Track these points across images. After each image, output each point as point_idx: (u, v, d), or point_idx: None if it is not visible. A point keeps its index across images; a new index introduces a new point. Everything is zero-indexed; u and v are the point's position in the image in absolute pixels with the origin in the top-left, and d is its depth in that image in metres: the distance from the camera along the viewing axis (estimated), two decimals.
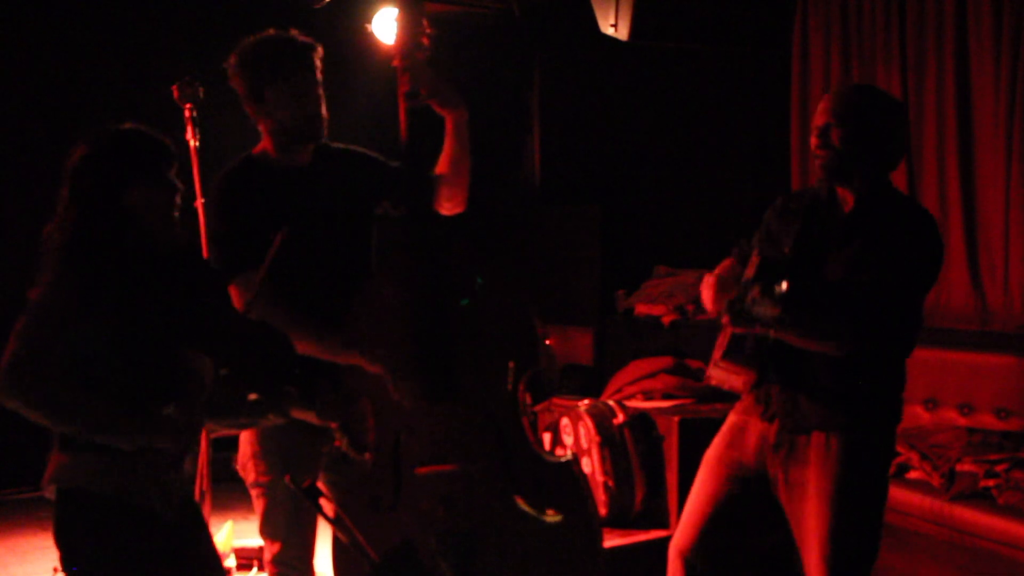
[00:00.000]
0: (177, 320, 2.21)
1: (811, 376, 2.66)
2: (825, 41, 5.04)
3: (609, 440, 4.02)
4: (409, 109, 2.72)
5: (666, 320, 5.16)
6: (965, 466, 3.63)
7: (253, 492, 2.80)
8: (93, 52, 5.55)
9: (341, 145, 2.86)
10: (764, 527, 2.86)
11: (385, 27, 4.74)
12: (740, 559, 2.89)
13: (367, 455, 2.57)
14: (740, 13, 5.35)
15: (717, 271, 2.88)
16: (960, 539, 3.48)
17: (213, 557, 2.42)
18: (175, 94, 4.01)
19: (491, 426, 2.66)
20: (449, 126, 2.83)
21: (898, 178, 4.62)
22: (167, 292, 2.22)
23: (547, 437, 4.37)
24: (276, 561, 2.81)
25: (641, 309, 5.38)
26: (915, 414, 4.16)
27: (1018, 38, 4.16)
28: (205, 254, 2.91)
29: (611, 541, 3.87)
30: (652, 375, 4.56)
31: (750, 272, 2.62)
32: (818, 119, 2.72)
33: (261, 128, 2.78)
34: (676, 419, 4.01)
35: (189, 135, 4.01)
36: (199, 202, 3.78)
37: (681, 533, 2.85)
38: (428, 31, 2.74)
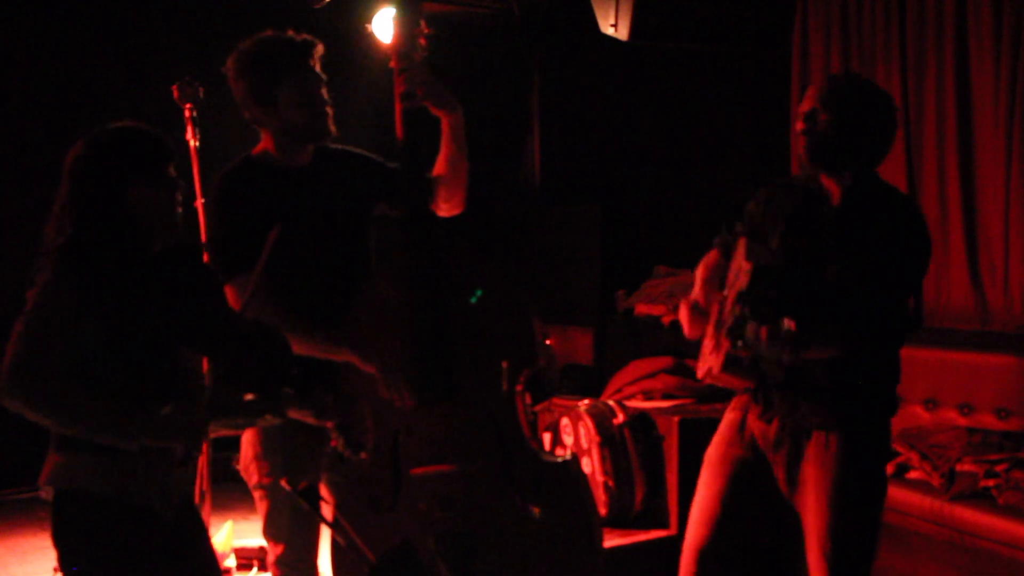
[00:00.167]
0: (175, 320, 2.21)
1: (809, 377, 2.66)
2: (825, 41, 5.04)
3: (609, 440, 4.02)
4: (406, 110, 2.72)
5: (666, 320, 5.15)
6: (965, 466, 3.63)
7: (256, 494, 2.80)
8: (93, 52, 5.55)
9: (339, 146, 2.86)
10: (770, 523, 2.86)
11: (385, 27, 4.73)
12: (750, 557, 2.88)
13: (363, 455, 2.57)
14: (740, 13, 5.34)
15: (692, 296, 2.85)
16: (960, 539, 3.47)
17: (211, 558, 2.42)
18: (175, 94, 4.01)
19: (490, 426, 2.66)
20: (445, 127, 2.83)
21: (898, 178, 4.62)
22: (165, 292, 2.22)
23: (547, 437, 4.36)
24: (279, 563, 2.80)
25: (641, 309, 5.37)
26: (915, 414, 4.16)
27: (1018, 38, 4.16)
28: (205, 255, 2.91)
29: (611, 541, 3.87)
30: (652, 375, 4.56)
31: (743, 281, 2.59)
32: (805, 104, 2.70)
33: (264, 129, 2.78)
34: (676, 419, 4.01)
35: (189, 135, 4.01)
36: (199, 202, 3.78)
37: (692, 535, 2.84)
38: (425, 32, 2.74)
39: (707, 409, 4.14)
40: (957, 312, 4.45)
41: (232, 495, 4.08)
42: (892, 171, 4.66)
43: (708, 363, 2.73)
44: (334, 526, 2.40)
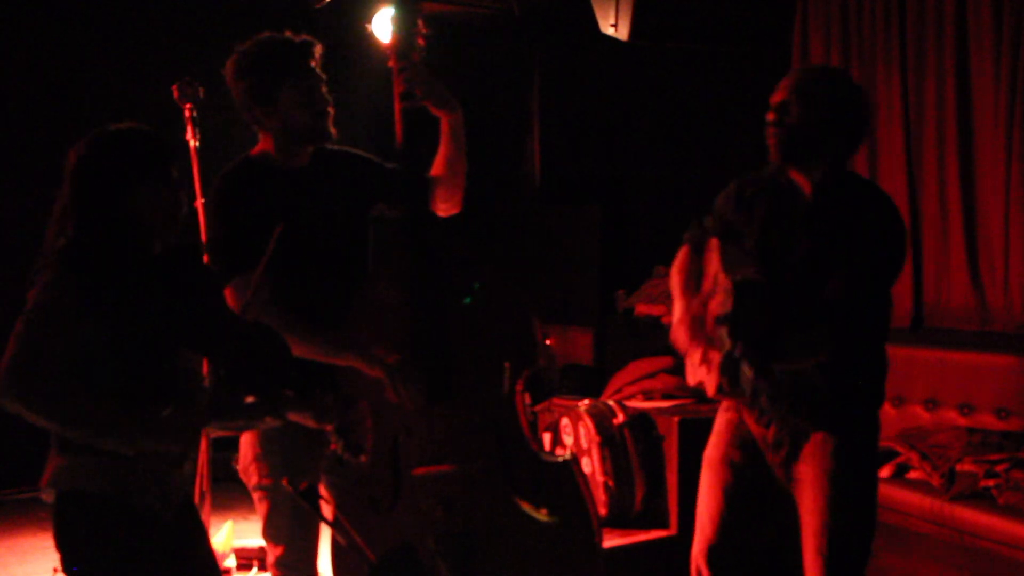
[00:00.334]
0: (175, 322, 2.21)
1: (805, 382, 2.65)
2: (825, 41, 5.04)
3: (609, 440, 4.02)
4: (405, 110, 2.72)
5: (666, 320, 5.14)
6: (965, 466, 3.63)
7: (255, 495, 2.80)
8: (93, 52, 5.55)
9: (338, 147, 2.86)
10: (772, 521, 2.86)
11: (384, 27, 4.73)
12: (757, 555, 2.88)
13: (363, 458, 2.57)
14: (740, 13, 5.34)
15: (677, 313, 2.80)
16: (960, 539, 3.47)
17: (211, 559, 2.42)
18: (175, 94, 4.01)
19: (490, 426, 2.65)
20: (444, 127, 2.83)
21: (898, 178, 4.62)
22: (166, 293, 2.21)
23: (547, 437, 4.37)
24: (279, 564, 2.80)
25: (641, 309, 5.37)
26: (915, 414, 4.16)
27: (1018, 38, 4.16)
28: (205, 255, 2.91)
29: (611, 541, 3.87)
30: (652, 375, 4.56)
31: (727, 304, 2.56)
32: (777, 95, 2.66)
33: (262, 131, 2.77)
34: (676, 419, 4.02)
35: (189, 135, 4.01)
36: (199, 202, 3.79)
37: (701, 535, 2.84)
38: (424, 32, 2.73)
39: (707, 409, 4.13)
40: (957, 312, 4.45)
41: (232, 495, 4.08)
42: (892, 171, 4.67)
43: (698, 377, 2.74)
44: (335, 525, 2.39)
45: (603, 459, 4.00)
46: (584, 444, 4.08)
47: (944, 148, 4.48)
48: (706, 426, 2.97)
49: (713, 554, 2.80)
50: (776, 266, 2.63)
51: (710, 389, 2.71)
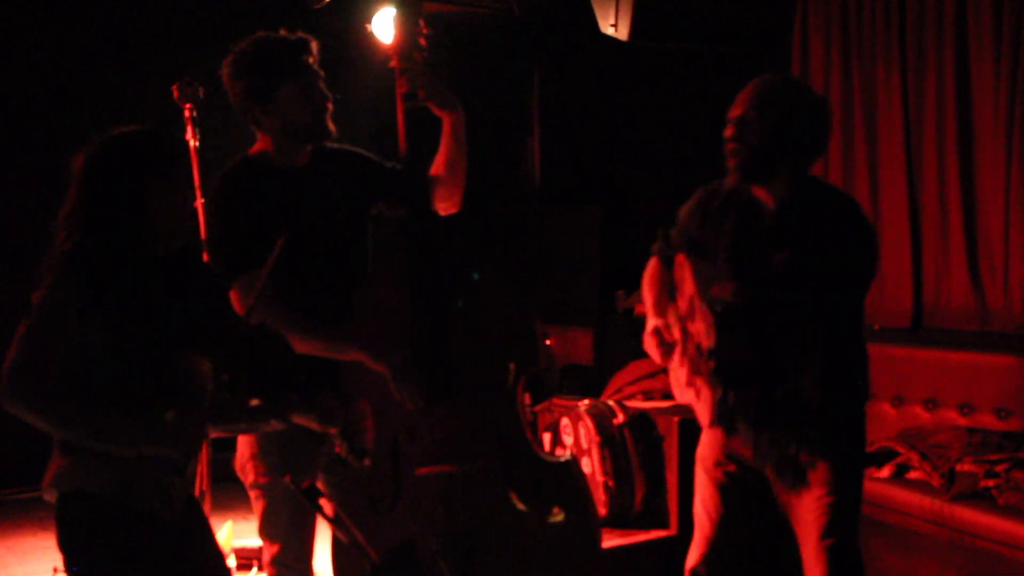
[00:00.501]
0: (178, 324, 2.20)
1: (795, 391, 2.64)
2: (825, 41, 5.04)
3: (609, 440, 4.03)
4: (407, 110, 2.72)
5: None
6: (965, 466, 3.63)
7: (252, 493, 2.80)
8: (93, 52, 5.55)
9: (337, 145, 2.86)
10: (767, 520, 2.86)
11: (385, 27, 4.73)
12: (755, 553, 2.88)
13: (366, 461, 2.57)
14: (740, 13, 5.34)
15: (650, 324, 2.87)
16: (960, 539, 3.47)
17: (216, 558, 2.41)
18: (175, 94, 4.00)
19: (490, 426, 2.66)
20: (446, 127, 2.83)
21: (898, 178, 4.62)
22: (168, 296, 2.21)
23: (547, 437, 4.37)
24: (275, 562, 2.80)
25: (641, 309, 5.37)
26: (915, 414, 4.16)
27: (1018, 38, 4.16)
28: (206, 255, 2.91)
29: (611, 541, 3.87)
30: (652, 375, 4.56)
31: (710, 337, 2.57)
32: (735, 109, 2.64)
33: (261, 130, 2.77)
34: (676, 419, 4.01)
35: (189, 135, 4.01)
36: (199, 202, 3.78)
37: (700, 534, 2.84)
38: (425, 31, 2.73)
39: None
40: (957, 312, 4.45)
41: (232, 495, 4.07)
42: (892, 171, 4.67)
43: (686, 399, 2.79)
44: (336, 523, 2.39)
45: (603, 459, 4.00)
46: (584, 444, 4.08)
47: (944, 148, 4.48)
48: None
49: (711, 553, 2.80)
50: (750, 283, 2.61)
51: (703, 422, 2.74)
